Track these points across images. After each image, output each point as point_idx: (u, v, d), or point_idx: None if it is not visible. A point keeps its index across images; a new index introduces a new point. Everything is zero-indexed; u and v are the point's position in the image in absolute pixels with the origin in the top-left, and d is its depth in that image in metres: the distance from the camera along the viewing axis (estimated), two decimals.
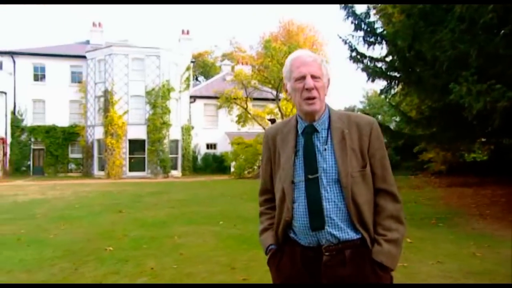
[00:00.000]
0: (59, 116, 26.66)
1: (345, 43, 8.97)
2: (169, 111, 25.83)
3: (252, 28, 68.38)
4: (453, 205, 10.55)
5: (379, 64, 9.24)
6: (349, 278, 1.53)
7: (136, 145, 25.25)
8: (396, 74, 9.17)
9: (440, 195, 12.68)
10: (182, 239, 6.43)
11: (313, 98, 1.57)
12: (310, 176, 1.55)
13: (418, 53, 8.04)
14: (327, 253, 1.53)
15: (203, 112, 29.42)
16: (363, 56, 9.00)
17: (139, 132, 25.07)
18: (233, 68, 28.01)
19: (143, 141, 25.24)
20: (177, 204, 11.01)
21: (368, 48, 9.04)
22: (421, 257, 5.05)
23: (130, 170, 24.86)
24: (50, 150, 26.54)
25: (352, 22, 8.85)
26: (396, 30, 8.59)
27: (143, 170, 25.06)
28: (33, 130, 26.38)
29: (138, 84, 25.19)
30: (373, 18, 14.26)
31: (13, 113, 26.18)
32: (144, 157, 25.24)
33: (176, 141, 26.82)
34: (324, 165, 1.56)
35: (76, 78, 27.38)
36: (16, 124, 26.15)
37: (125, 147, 24.91)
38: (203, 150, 29.25)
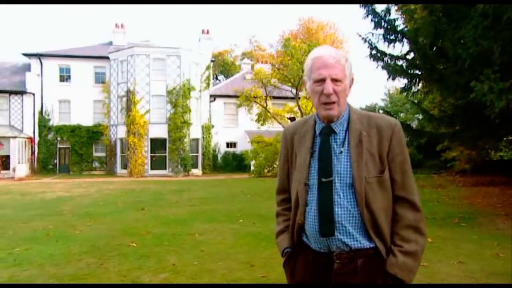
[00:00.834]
0: (83, 115, 27.39)
1: (365, 41, 8.89)
2: (190, 110, 26.15)
3: (272, 26, 68.31)
4: (477, 204, 10.32)
5: (400, 62, 9.12)
6: None
7: (157, 144, 25.68)
8: (417, 72, 9.03)
9: (464, 194, 12.41)
10: (202, 237, 6.56)
11: (332, 103, 1.50)
12: (323, 180, 1.50)
13: (440, 50, 7.90)
14: (338, 261, 1.48)
15: (223, 111, 29.64)
16: (383, 54, 8.90)
17: (160, 131, 25.49)
18: (252, 66, 28.07)
19: (164, 139, 25.65)
20: (198, 202, 11.18)
21: (388, 46, 8.94)
22: (441, 257, 5.00)
23: (151, 169, 25.31)
24: (75, 148, 27.31)
25: (372, 20, 8.77)
26: (417, 27, 8.46)
27: (165, 168, 25.47)
28: (59, 129, 27.19)
29: (159, 83, 25.60)
30: (393, 15, 14.07)
31: (41, 113, 27.05)
32: (165, 156, 25.65)
33: (196, 140, 27.13)
34: (338, 169, 1.49)
35: (100, 78, 28.05)
36: (43, 124, 27.02)
37: (146, 145, 25.38)
38: (223, 148, 29.47)
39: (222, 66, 44.61)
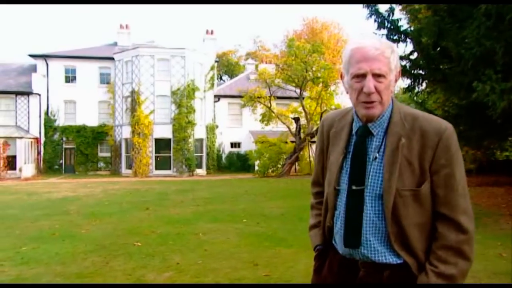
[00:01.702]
0: (88, 116, 27.57)
1: None
2: (194, 111, 26.25)
3: (276, 26, 68.30)
4: (482, 204, 10.30)
5: (403, 62, 9.13)
6: None
7: (162, 144, 25.81)
8: (420, 72, 9.04)
9: (469, 195, 12.37)
10: (206, 236, 6.62)
11: (372, 102, 1.31)
12: (354, 187, 1.37)
13: (444, 50, 7.90)
14: (363, 269, 1.38)
15: (227, 111, 29.71)
16: None
17: (165, 131, 25.62)
18: (257, 67, 28.07)
19: (169, 140, 25.76)
20: (202, 202, 11.25)
21: None
22: None
23: (156, 169, 25.44)
24: (81, 149, 27.50)
25: (375, 21, 8.79)
26: (420, 27, 8.47)
27: (169, 168, 25.59)
28: (65, 130, 27.40)
29: (164, 84, 25.72)
30: (397, 15, 14.06)
31: (46, 113, 27.27)
32: (170, 156, 25.77)
33: (201, 140, 27.23)
34: (370, 177, 1.35)
35: (105, 79, 28.22)
36: (49, 124, 27.23)
37: (151, 146, 25.51)
38: (227, 148, 29.55)
39: (226, 67, 44.72)
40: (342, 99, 24.43)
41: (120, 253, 5.47)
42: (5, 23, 72.64)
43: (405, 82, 9.57)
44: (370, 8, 8.73)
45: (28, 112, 26.90)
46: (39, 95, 26.96)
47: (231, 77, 41.84)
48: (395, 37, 8.87)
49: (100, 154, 28.06)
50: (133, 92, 25.79)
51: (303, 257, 5.10)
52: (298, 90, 24.42)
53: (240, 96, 26.16)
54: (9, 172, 23.25)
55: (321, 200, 1.56)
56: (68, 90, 27.57)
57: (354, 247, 1.36)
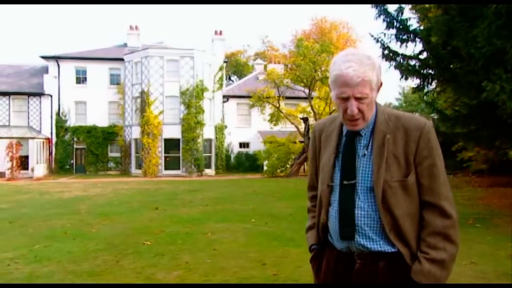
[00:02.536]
0: (99, 116, 27.86)
1: (377, 41, 8.87)
2: (203, 111, 26.37)
3: (285, 26, 68.24)
4: (493, 205, 10.19)
5: (413, 62, 9.07)
6: None
7: (171, 144, 25.97)
8: (430, 71, 8.97)
9: (480, 195, 12.25)
10: (215, 236, 6.66)
11: (356, 119, 1.45)
12: (345, 182, 1.48)
13: (453, 50, 7.83)
14: (359, 261, 1.46)
15: (236, 111, 29.78)
16: (396, 54, 8.86)
17: (174, 132, 25.78)
18: (265, 67, 28.12)
19: (178, 140, 25.92)
20: (211, 202, 11.31)
21: (400, 45, 8.89)
22: None
23: (165, 169, 25.61)
24: (91, 149, 27.82)
25: (384, 20, 8.74)
26: (430, 27, 8.41)
27: (178, 168, 25.74)
28: (76, 130, 27.74)
29: (173, 84, 25.89)
30: (407, 14, 13.96)
31: (58, 114, 27.64)
32: (179, 156, 25.92)
33: (209, 140, 27.34)
34: (360, 172, 1.47)
35: (115, 80, 28.50)
36: (60, 125, 27.60)
37: (160, 146, 25.69)
38: (236, 149, 29.62)
39: (235, 67, 44.80)
40: None
41: (130, 252, 5.55)
42: (18, 25, 73.82)
43: (414, 82, 9.51)
44: (378, 8, 8.69)
45: (40, 113, 27.30)
46: (51, 96, 27.35)
47: (239, 77, 41.92)
48: (404, 37, 8.82)
49: (110, 154, 28.34)
50: (142, 92, 26.01)
51: None
52: (306, 90, 24.39)
53: (248, 96, 26.21)
54: (21, 172, 23.62)
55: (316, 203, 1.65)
56: (79, 91, 27.91)
57: (350, 238, 1.46)
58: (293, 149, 24.00)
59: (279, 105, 25.15)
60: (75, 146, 27.93)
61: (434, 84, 9.48)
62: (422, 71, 8.96)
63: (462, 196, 11.85)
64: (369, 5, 8.94)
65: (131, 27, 31.16)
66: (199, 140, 26.02)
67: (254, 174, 24.95)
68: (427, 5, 10.69)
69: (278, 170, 23.73)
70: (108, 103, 28.17)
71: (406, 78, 8.91)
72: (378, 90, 1.49)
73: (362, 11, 67.71)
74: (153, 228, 7.40)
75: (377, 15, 8.76)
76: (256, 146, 27.95)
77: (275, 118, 25.30)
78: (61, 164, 27.54)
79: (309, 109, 24.67)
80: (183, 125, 25.73)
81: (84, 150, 27.95)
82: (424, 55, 9.28)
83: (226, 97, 29.34)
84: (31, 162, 24.65)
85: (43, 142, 26.51)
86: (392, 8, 9.28)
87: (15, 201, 12.19)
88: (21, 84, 27.55)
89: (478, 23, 7.01)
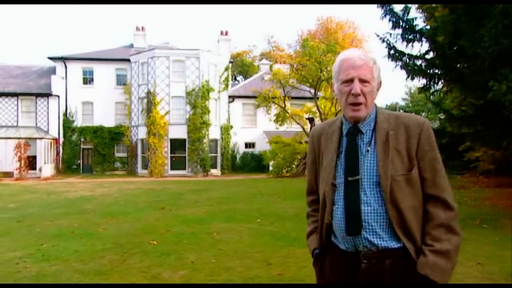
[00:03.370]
0: (105, 117, 28.04)
1: (383, 41, 8.84)
2: (209, 111, 26.43)
3: (291, 26, 68.21)
4: (500, 206, 10.12)
5: (419, 62, 9.02)
6: None
7: (177, 145, 26.07)
8: (436, 71, 8.92)
9: (487, 196, 12.17)
10: (220, 235, 6.69)
11: (359, 104, 1.50)
12: (349, 178, 1.50)
13: (460, 49, 7.78)
14: (365, 261, 1.46)
15: (241, 111, 29.81)
16: (402, 54, 8.81)
17: (180, 132, 25.87)
18: (271, 67, 28.10)
19: (184, 140, 26.01)
20: (216, 202, 11.34)
21: (407, 45, 8.85)
22: (460, 258, 4.86)
23: (171, 169, 25.70)
24: (98, 149, 28.00)
25: (390, 20, 8.71)
26: (436, 26, 8.36)
27: (184, 168, 25.82)
28: (83, 130, 27.94)
29: (179, 85, 25.98)
30: (413, 14, 13.88)
31: (65, 115, 27.86)
32: (185, 156, 26.00)
33: (215, 140, 27.40)
34: (365, 167, 1.49)
35: (121, 80, 28.66)
36: (67, 125, 27.82)
37: (166, 146, 25.79)
38: (241, 149, 29.65)
39: (241, 67, 44.85)
40: None
41: (136, 252, 5.59)
42: (26, 27, 74.53)
43: (420, 82, 9.46)
44: (384, 8, 8.66)
45: (48, 113, 27.53)
46: (58, 96, 27.57)
47: (245, 77, 41.96)
48: (410, 37, 8.77)
49: (117, 154, 28.50)
50: (148, 93, 26.13)
51: None
52: (312, 90, 24.35)
53: (254, 97, 26.23)
54: (29, 172, 23.84)
55: (317, 207, 1.67)
56: (85, 91, 28.11)
57: (357, 233, 1.47)
58: (298, 149, 23.98)
59: (285, 105, 25.14)
60: (82, 146, 28.13)
61: (440, 84, 9.42)
62: (428, 71, 8.92)
63: (469, 196, 11.77)
64: (375, 5, 8.91)
65: (137, 28, 31.34)
66: (205, 140, 26.09)
67: (259, 174, 24.96)
68: (433, 5, 10.62)
69: (284, 170, 23.72)
70: (114, 103, 28.33)
71: (413, 78, 8.87)
72: (378, 89, 1.58)
73: (368, 11, 67.46)
74: (159, 227, 7.45)
75: (383, 15, 8.73)
76: (262, 146, 27.96)
77: (280, 118, 25.29)
78: (68, 164, 27.76)
79: (314, 109, 24.63)
80: (189, 125, 25.81)
81: (91, 150, 28.15)
82: (430, 55, 9.23)
83: (232, 97, 29.38)
84: (39, 162, 24.87)
85: (51, 142, 26.73)
86: (398, 8, 9.25)
87: (22, 200, 12.31)
88: (29, 85, 27.82)
89: (485, 23, 6.96)
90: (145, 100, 26.51)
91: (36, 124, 27.28)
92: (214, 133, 27.05)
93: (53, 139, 27.06)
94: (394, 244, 1.45)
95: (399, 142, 1.49)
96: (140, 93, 26.96)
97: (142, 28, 31.41)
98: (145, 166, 26.23)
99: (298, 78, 24.72)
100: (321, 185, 1.62)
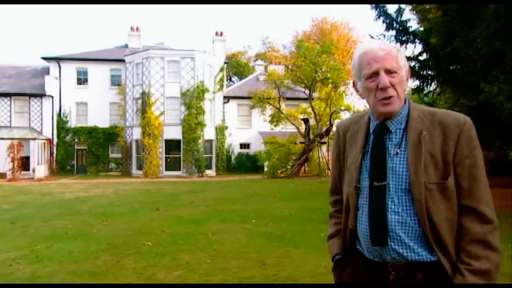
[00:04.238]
0: (100, 117, 27.90)
1: None
2: (204, 112, 26.41)
3: (285, 27, 68.33)
4: (495, 206, 10.19)
5: (412, 63, 9.11)
6: None
7: (172, 145, 26.01)
8: (429, 72, 9.01)
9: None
10: (216, 236, 6.70)
11: (390, 97, 1.33)
12: (375, 183, 1.35)
13: (453, 51, 7.87)
14: (394, 272, 1.31)
15: (236, 112, 29.81)
16: None
17: (174, 133, 25.82)
18: (266, 68, 28.10)
19: (179, 141, 25.96)
20: (212, 203, 11.34)
21: (400, 47, 8.93)
22: None
23: (166, 170, 25.65)
24: (92, 150, 27.86)
25: (383, 22, 8.78)
26: (429, 28, 8.45)
27: (179, 169, 25.78)
28: (77, 131, 27.78)
29: (174, 85, 25.94)
30: (407, 16, 13.99)
31: (59, 115, 27.69)
32: (180, 157, 25.96)
33: (210, 141, 27.38)
34: (393, 172, 1.33)
35: (116, 81, 28.55)
36: (61, 126, 27.65)
37: (161, 147, 25.73)
38: (236, 149, 29.64)
39: (236, 68, 44.86)
40: (352, 99, 24.35)
41: (131, 252, 5.58)
42: (19, 27, 74.00)
43: (413, 83, 9.55)
44: (378, 9, 8.73)
45: (41, 114, 27.35)
46: (52, 97, 27.40)
47: (240, 78, 41.99)
48: (404, 38, 8.86)
49: (111, 155, 28.38)
50: (143, 93, 26.06)
51: (311, 257, 5.15)
52: (307, 91, 24.43)
53: (249, 97, 26.25)
54: (23, 172, 23.67)
55: (340, 208, 1.53)
56: (80, 92, 27.97)
57: (382, 244, 1.32)
58: (293, 150, 24.04)
59: (280, 106, 25.19)
60: (76, 147, 27.98)
61: (433, 85, 9.52)
62: (421, 72, 9.00)
63: None
64: (369, 7, 8.97)
65: (132, 28, 31.24)
66: (200, 141, 26.06)
67: (254, 175, 24.98)
68: (427, 6, 10.73)
69: (279, 171, 23.76)
70: (109, 104, 28.20)
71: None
72: (407, 78, 1.40)
73: (362, 12, 67.76)
74: (154, 228, 7.44)
75: (377, 16, 8.80)
76: (257, 147, 27.98)
77: (275, 119, 25.34)
78: (62, 165, 27.59)
79: (309, 110, 24.71)
80: (184, 126, 25.78)
81: (85, 151, 28.00)
82: (423, 56, 9.32)
83: (227, 98, 29.38)
84: (32, 163, 24.70)
85: (44, 143, 26.56)
86: (392, 9, 9.32)
87: (16, 201, 12.23)
88: (22, 85, 27.62)
89: (477, 25, 7.04)
90: (139, 101, 26.43)
91: (30, 124, 27.08)
92: (209, 133, 27.03)
93: (46, 139, 26.89)
94: (427, 257, 1.30)
95: (434, 145, 1.31)
96: (134, 94, 26.87)
97: (137, 29, 31.32)
98: (139, 167, 26.14)
99: (293, 79, 24.79)
100: (344, 186, 1.49)
